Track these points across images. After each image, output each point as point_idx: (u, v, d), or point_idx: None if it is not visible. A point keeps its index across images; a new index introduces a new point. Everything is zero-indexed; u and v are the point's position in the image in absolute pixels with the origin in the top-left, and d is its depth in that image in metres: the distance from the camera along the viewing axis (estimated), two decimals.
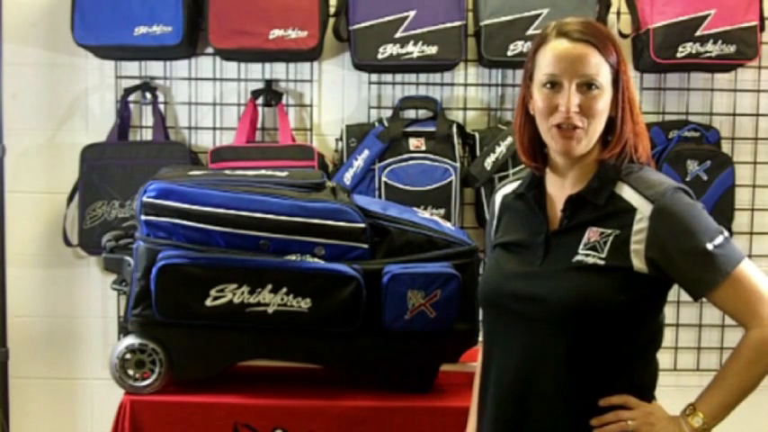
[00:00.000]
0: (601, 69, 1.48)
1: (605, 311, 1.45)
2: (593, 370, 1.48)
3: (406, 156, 2.69)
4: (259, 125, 2.86)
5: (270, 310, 1.95)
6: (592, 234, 1.49)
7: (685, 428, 1.46)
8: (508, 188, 1.68)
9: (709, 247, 1.43)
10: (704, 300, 1.49)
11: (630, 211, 1.47)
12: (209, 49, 2.77)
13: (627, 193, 1.49)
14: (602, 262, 1.46)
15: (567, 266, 1.49)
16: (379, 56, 2.65)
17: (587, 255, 1.48)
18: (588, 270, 1.47)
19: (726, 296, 1.45)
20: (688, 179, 2.72)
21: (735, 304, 1.46)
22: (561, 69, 1.48)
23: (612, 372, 1.49)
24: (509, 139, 2.66)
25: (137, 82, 2.84)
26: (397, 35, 2.65)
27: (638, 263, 1.45)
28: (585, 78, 1.47)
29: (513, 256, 1.58)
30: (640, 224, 1.46)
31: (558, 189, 1.56)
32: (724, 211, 2.73)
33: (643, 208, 1.46)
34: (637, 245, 1.45)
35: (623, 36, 2.78)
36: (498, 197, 1.70)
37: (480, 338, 1.73)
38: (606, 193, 1.50)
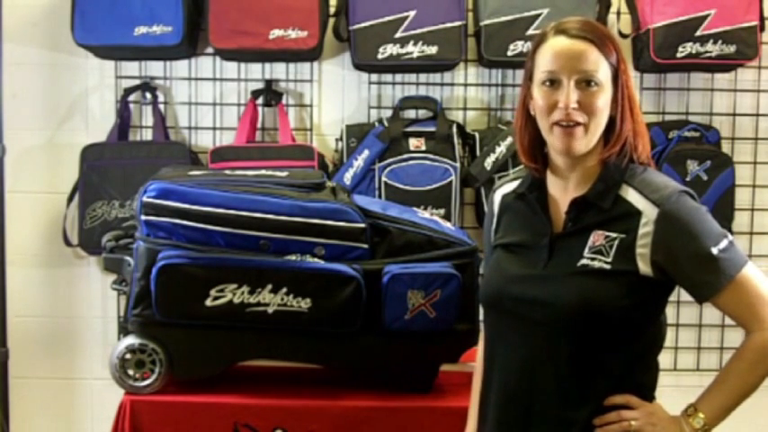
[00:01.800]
0: (600, 66, 1.47)
1: (610, 315, 1.45)
2: (595, 371, 1.48)
3: (406, 156, 2.69)
4: (259, 125, 2.86)
5: (270, 310, 1.95)
6: (597, 238, 1.48)
7: (686, 429, 1.46)
8: (507, 187, 1.67)
9: (714, 251, 1.43)
10: None
11: (635, 214, 1.47)
12: (209, 49, 2.77)
13: (632, 196, 1.49)
14: (608, 266, 1.46)
15: (573, 270, 1.48)
16: (379, 56, 2.65)
17: (593, 259, 1.47)
18: (594, 274, 1.46)
19: (729, 300, 1.46)
20: (688, 179, 2.72)
21: (738, 307, 1.47)
22: (560, 66, 1.47)
23: (615, 373, 1.48)
24: (509, 139, 2.66)
25: (137, 82, 2.84)
26: (397, 35, 2.65)
27: (644, 266, 1.45)
28: (584, 74, 1.47)
29: (515, 258, 1.58)
30: (646, 228, 1.45)
31: (561, 191, 1.56)
32: (724, 211, 2.72)
33: (648, 212, 1.46)
34: (642, 249, 1.45)
35: (623, 36, 2.78)
36: (497, 196, 1.69)
37: (480, 339, 1.74)
38: (611, 197, 1.49)
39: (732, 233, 2.72)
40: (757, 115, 2.94)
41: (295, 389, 2.05)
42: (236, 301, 1.94)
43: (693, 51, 2.67)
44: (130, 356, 2.01)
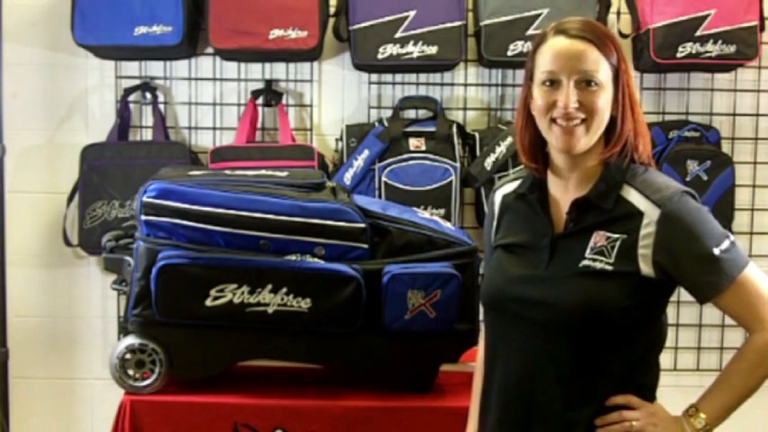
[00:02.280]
0: (600, 66, 1.47)
1: (611, 316, 1.45)
2: (596, 372, 1.48)
3: (406, 156, 2.69)
4: (259, 125, 2.85)
5: (270, 310, 1.95)
6: (598, 238, 1.48)
7: (687, 429, 1.46)
8: (508, 188, 1.67)
9: (716, 251, 1.43)
10: None
11: (637, 215, 1.46)
12: (209, 49, 2.77)
13: (633, 196, 1.48)
14: (609, 267, 1.46)
15: (574, 271, 1.48)
16: (379, 56, 2.65)
17: (594, 260, 1.47)
18: (596, 275, 1.46)
19: (731, 300, 1.46)
20: (688, 179, 2.71)
21: (739, 308, 1.47)
22: (559, 66, 1.47)
23: (616, 373, 1.48)
24: (509, 139, 2.66)
25: (137, 82, 2.84)
26: (397, 35, 2.65)
27: (646, 267, 1.45)
28: (584, 75, 1.46)
29: (516, 259, 1.57)
30: (647, 228, 1.45)
31: (561, 191, 1.55)
32: (724, 211, 2.72)
33: (650, 212, 1.46)
34: (644, 249, 1.45)
35: (623, 36, 2.78)
36: (498, 197, 1.69)
37: (480, 339, 1.74)
38: (613, 197, 1.49)
39: (732, 233, 2.73)
40: (757, 115, 2.94)
41: (295, 389, 2.05)
42: (236, 301, 1.94)
43: (693, 51, 2.67)
44: (130, 356, 2.00)
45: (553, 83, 1.48)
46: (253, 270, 1.94)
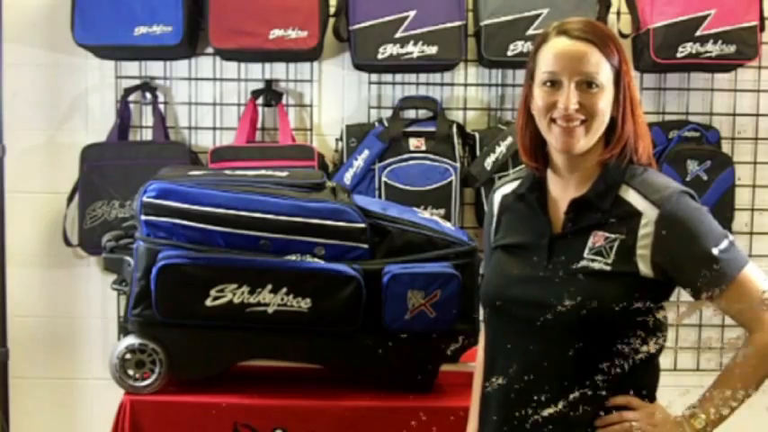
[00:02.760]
0: (601, 68, 1.47)
1: (611, 316, 1.45)
2: (596, 372, 1.48)
3: (406, 156, 2.70)
4: (259, 125, 2.86)
5: (270, 310, 1.95)
6: (597, 239, 1.48)
7: (688, 429, 1.46)
8: (507, 188, 1.67)
9: (715, 251, 1.43)
10: None
11: (636, 215, 1.46)
12: (210, 49, 2.77)
13: (632, 197, 1.48)
14: (608, 267, 1.46)
15: (573, 271, 1.48)
16: (379, 56, 2.65)
17: (593, 260, 1.47)
18: (594, 276, 1.46)
19: (730, 300, 1.46)
20: (688, 179, 2.72)
21: (739, 308, 1.46)
22: (561, 67, 1.47)
23: (617, 374, 1.48)
24: (509, 139, 2.66)
25: (137, 82, 2.84)
26: (397, 35, 2.65)
27: (644, 268, 1.45)
28: (585, 76, 1.46)
29: (515, 260, 1.57)
30: (646, 229, 1.45)
31: (561, 191, 1.55)
32: (724, 211, 2.72)
33: (649, 212, 1.46)
34: (642, 250, 1.45)
35: (623, 36, 2.78)
36: (497, 197, 1.69)
37: (480, 339, 1.74)
38: (611, 198, 1.49)
39: (732, 233, 2.73)
40: (757, 115, 2.94)
41: (295, 389, 2.05)
42: (236, 301, 1.94)
43: (693, 51, 2.67)
44: (130, 356, 2.00)
45: (554, 83, 1.48)
46: (253, 270, 1.94)
